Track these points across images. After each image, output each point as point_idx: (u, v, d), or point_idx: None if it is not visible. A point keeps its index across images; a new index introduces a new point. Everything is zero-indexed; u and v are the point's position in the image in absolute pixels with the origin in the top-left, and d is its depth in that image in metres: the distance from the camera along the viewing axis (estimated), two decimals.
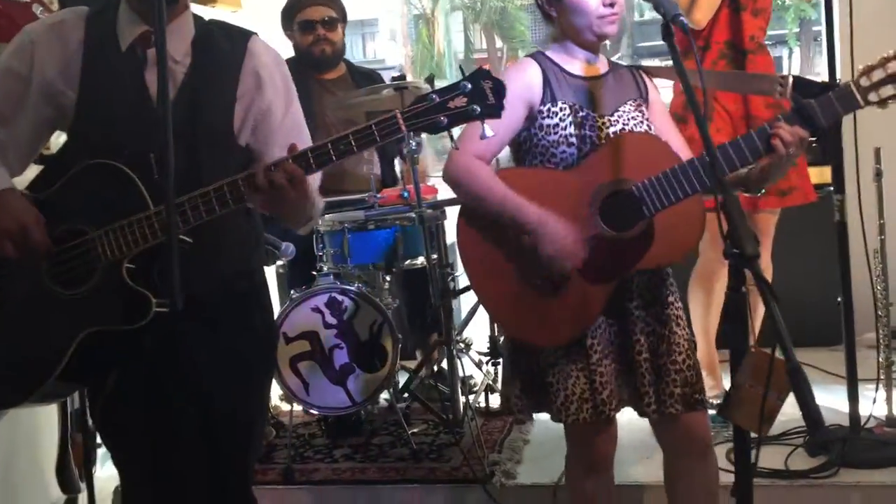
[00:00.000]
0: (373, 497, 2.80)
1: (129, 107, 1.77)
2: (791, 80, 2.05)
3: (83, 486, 3.06)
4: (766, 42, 3.05)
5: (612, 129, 2.02)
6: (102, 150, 1.73)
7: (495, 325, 3.35)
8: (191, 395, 1.69)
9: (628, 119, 2.05)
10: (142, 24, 1.78)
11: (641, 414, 2.08)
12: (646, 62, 2.24)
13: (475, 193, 2.02)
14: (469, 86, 1.67)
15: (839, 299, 2.77)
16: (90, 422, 3.04)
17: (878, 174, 2.85)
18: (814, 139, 2.30)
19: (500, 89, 1.68)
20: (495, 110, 1.69)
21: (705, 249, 2.97)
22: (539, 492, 2.66)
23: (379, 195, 3.11)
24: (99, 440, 3.19)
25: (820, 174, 3.40)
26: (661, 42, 1.77)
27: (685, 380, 2.03)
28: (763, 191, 2.07)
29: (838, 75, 2.76)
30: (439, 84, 2.03)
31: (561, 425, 2.10)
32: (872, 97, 1.85)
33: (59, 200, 1.78)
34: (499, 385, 3.33)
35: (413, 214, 3.02)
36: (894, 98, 1.86)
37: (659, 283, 2.07)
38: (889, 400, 2.88)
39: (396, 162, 3.66)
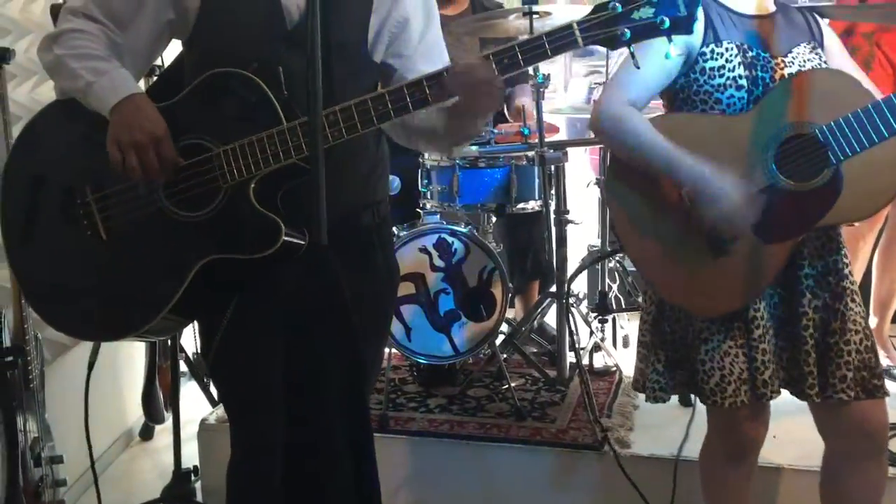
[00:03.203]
0: (475, 454, 2.62)
1: (256, 16, 1.58)
2: None
3: (168, 415, 2.97)
4: None
5: (787, 71, 1.77)
6: (224, 63, 1.55)
7: (607, 281, 3.12)
8: (325, 331, 1.50)
9: (805, 61, 1.80)
10: None
11: (801, 397, 1.83)
12: None
13: (626, 144, 1.78)
14: None
15: None
16: (181, 352, 2.94)
17: None
18: None
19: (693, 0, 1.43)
20: (686, 24, 1.45)
21: None
22: (658, 465, 2.44)
23: (495, 130, 2.87)
24: (183, 367, 3.13)
25: None
26: None
27: (863, 362, 1.78)
28: None
29: None
30: None
31: None
32: None
33: (179, 112, 1.59)
34: (606, 344, 3.12)
35: (531, 154, 2.77)
36: None
37: (833, 251, 1.82)
38: None
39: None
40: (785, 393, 1.87)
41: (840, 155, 1.68)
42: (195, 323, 1.85)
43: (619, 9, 1.42)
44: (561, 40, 1.44)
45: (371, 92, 1.64)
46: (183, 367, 3.12)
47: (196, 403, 3.10)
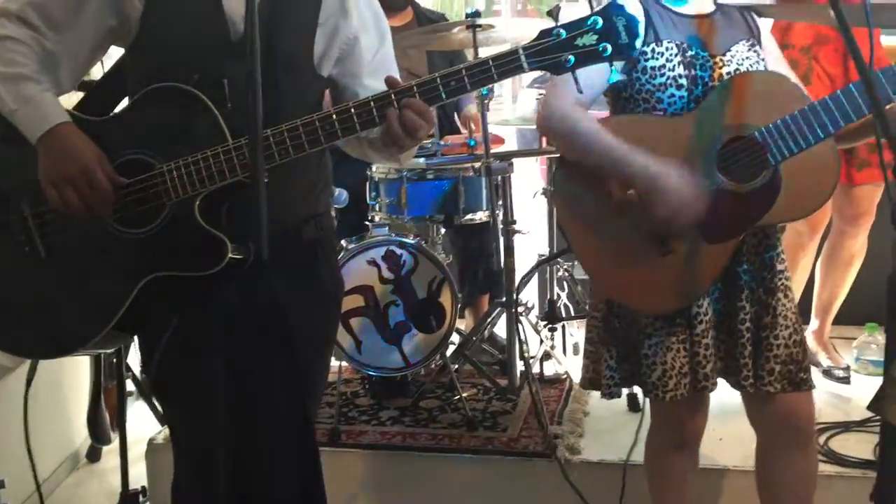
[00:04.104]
0: (427, 466, 2.63)
1: (200, 26, 1.56)
2: None
3: (115, 436, 2.92)
4: None
5: (725, 70, 1.82)
6: (167, 73, 1.54)
7: (556, 289, 3.16)
8: (265, 347, 1.50)
9: (742, 59, 1.85)
10: None
11: (736, 387, 1.90)
12: None
13: (575, 143, 1.82)
14: (600, 21, 1.46)
15: None
16: (126, 372, 2.89)
17: None
18: None
19: (634, 27, 1.47)
20: (628, 50, 1.48)
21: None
22: (607, 470, 2.48)
23: (442, 142, 2.89)
24: (130, 387, 3.08)
25: None
26: None
27: (790, 356, 1.85)
28: None
29: None
30: None
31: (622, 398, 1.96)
32: None
33: (121, 126, 1.58)
34: (556, 352, 3.16)
35: (477, 165, 2.80)
36: None
37: (770, 248, 1.88)
38: None
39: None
40: (730, 395, 1.94)
41: (778, 156, 1.73)
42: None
43: (564, 35, 1.45)
44: (507, 65, 1.47)
45: (316, 105, 1.65)
46: (130, 386, 3.07)
47: (144, 423, 3.05)
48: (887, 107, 1.76)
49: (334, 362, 2.77)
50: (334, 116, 1.50)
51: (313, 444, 1.54)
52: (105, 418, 2.95)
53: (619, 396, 1.98)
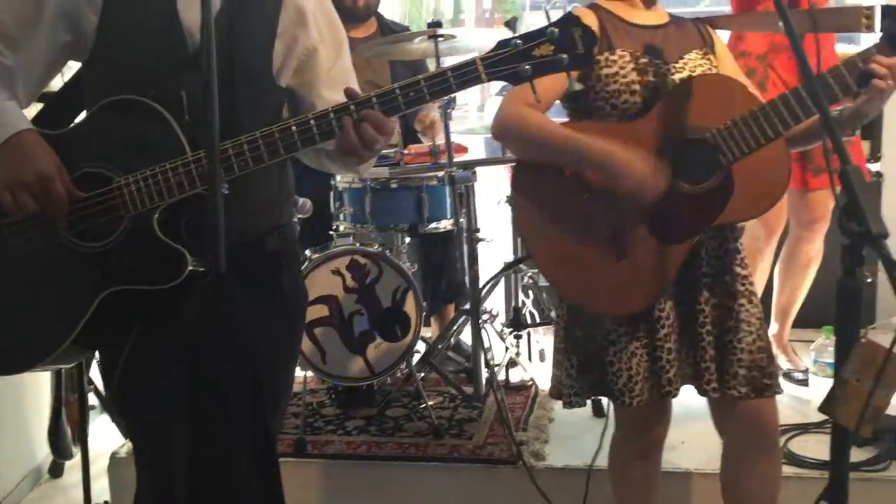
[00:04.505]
0: (392, 476, 2.63)
1: (157, 39, 1.56)
2: (879, 9, 1.84)
3: (77, 450, 2.88)
4: None
5: (678, 76, 1.86)
6: (124, 85, 1.53)
7: (521, 296, 3.18)
8: (225, 359, 1.50)
9: (695, 67, 1.89)
10: None
11: (701, 393, 1.92)
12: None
13: (530, 140, 1.85)
14: (557, 32, 1.48)
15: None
16: (87, 385, 2.86)
17: None
18: None
19: (590, 38, 1.50)
20: (584, 61, 1.51)
21: (752, 225, 2.81)
22: (572, 475, 2.50)
23: (405, 151, 2.90)
24: (92, 401, 3.05)
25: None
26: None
27: (754, 362, 1.87)
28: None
29: None
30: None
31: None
32: None
33: (78, 139, 1.57)
34: (522, 359, 3.18)
35: (440, 174, 2.81)
36: None
37: (731, 252, 1.92)
38: None
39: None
40: (693, 399, 1.96)
41: (731, 156, 1.77)
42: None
43: (521, 46, 1.47)
44: (466, 75, 1.48)
45: (275, 116, 1.65)
46: (93, 399, 3.03)
47: (107, 437, 3.02)
48: (839, 106, 1.82)
49: (299, 372, 2.78)
50: (294, 128, 1.50)
51: (275, 456, 1.53)
52: (66, 432, 2.91)
53: (582, 406, 1.99)
